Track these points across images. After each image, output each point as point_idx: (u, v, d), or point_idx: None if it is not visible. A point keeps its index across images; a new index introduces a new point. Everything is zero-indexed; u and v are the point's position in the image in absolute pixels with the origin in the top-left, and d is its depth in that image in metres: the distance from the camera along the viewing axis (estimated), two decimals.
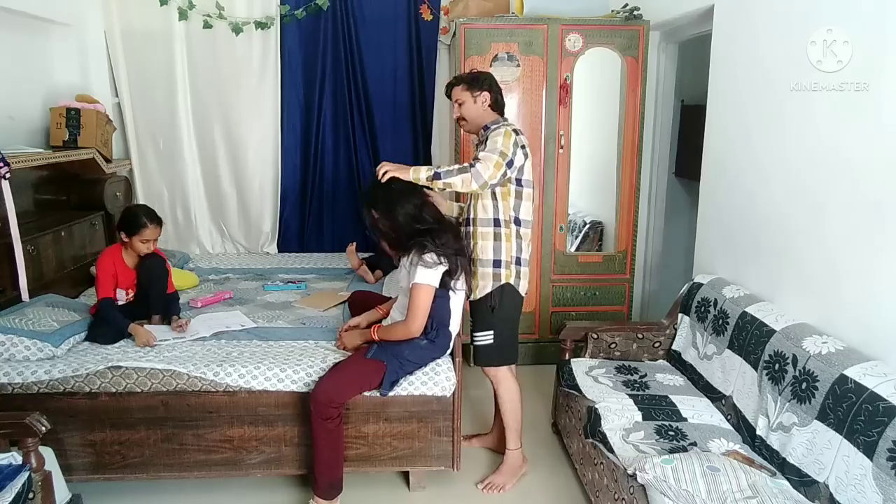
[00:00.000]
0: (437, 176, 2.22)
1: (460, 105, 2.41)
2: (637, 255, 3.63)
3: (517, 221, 2.36)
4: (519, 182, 2.33)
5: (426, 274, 2.21)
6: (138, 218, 2.64)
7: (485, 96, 2.38)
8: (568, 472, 2.58)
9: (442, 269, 2.23)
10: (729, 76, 2.71)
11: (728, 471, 1.71)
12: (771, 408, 1.99)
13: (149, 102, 3.91)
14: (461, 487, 2.49)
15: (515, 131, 2.30)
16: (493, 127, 2.36)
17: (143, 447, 2.34)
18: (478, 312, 2.43)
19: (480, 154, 2.26)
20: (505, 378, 2.46)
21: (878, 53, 1.83)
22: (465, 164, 2.24)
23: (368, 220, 2.35)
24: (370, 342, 2.37)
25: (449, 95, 2.48)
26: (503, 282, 2.35)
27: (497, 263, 2.35)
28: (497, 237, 2.35)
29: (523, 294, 2.43)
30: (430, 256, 2.21)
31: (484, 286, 2.37)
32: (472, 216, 2.40)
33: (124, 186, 3.74)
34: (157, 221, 2.68)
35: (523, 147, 2.31)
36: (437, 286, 2.25)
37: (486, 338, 2.40)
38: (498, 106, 2.43)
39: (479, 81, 2.39)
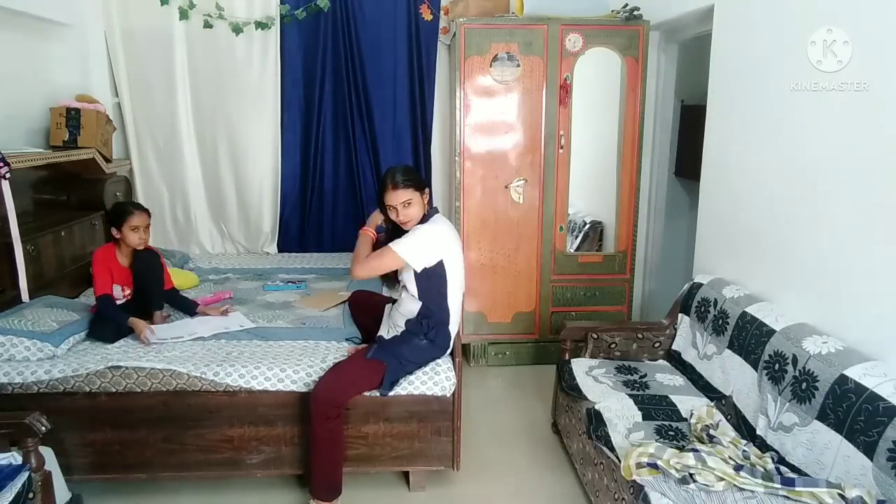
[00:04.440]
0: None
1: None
2: (637, 255, 3.63)
3: None
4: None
5: (415, 249, 2.25)
6: (122, 206, 2.72)
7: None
8: (568, 472, 2.58)
9: (437, 256, 2.26)
10: (729, 76, 2.70)
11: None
12: (771, 408, 1.99)
13: (149, 102, 3.91)
14: (461, 487, 2.49)
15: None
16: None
17: (143, 447, 2.34)
18: None
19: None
20: None
21: (878, 53, 1.83)
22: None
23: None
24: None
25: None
26: None
27: None
28: None
29: None
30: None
31: None
32: None
33: (124, 186, 3.74)
34: (142, 208, 2.74)
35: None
36: (419, 269, 2.27)
37: None
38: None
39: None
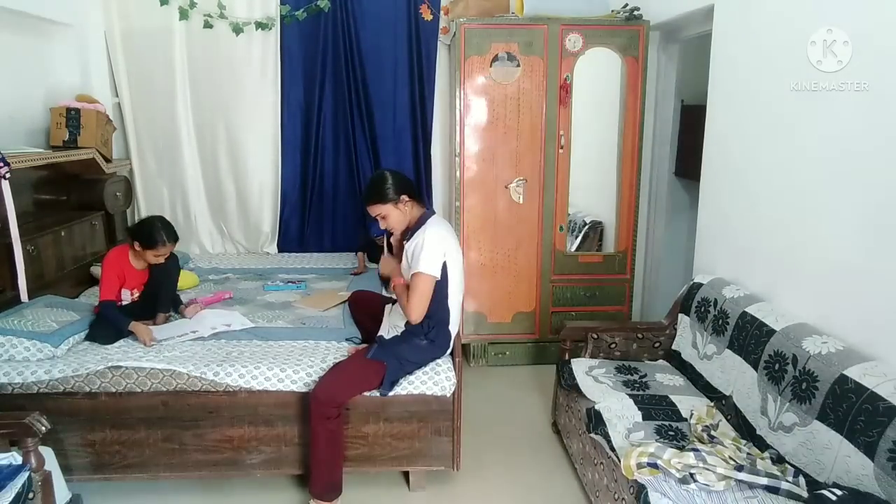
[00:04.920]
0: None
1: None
2: (637, 255, 3.63)
3: None
4: None
5: (431, 261, 2.23)
6: (156, 235, 2.60)
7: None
8: (568, 472, 2.58)
9: (443, 258, 2.26)
10: (729, 76, 2.70)
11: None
12: (771, 408, 1.99)
13: (149, 102, 3.91)
14: (461, 487, 2.49)
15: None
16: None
17: (143, 447, 2.34)
18: None
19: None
20: None
21: (878, 53, 1.83)
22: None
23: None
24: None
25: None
26: None
27: None
28: None
29: None
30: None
31: None
32: None
33: (124, 186, 3.74)
34: (174, 239, 2.67)
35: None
36: (440, 275, 2.25)
37: None
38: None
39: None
